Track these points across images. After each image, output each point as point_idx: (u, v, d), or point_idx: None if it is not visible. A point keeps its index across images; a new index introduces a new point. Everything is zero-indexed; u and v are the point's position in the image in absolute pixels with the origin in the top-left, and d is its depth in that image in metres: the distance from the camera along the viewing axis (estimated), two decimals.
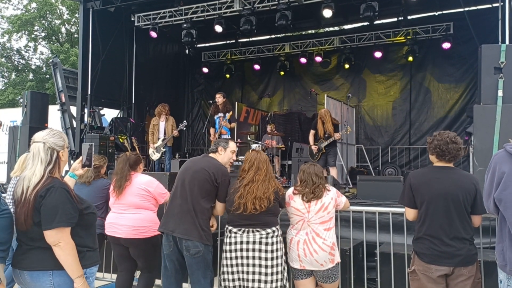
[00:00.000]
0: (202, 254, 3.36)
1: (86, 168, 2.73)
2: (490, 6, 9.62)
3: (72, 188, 2.47)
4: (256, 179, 3.40)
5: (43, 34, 27.98)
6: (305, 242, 3.44)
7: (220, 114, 7.89)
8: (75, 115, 10.22)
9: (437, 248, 2.85)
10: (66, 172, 3.46)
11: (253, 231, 3.34)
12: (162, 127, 8.58)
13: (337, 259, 3.51)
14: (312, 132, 7.70)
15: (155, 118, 8.73)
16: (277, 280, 3.32)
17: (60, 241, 2.21)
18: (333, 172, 7.32)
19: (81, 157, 2.70)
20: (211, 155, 3.69)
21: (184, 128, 8.55)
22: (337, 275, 3.53)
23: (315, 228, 3.46)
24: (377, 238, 4.19)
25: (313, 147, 7.52)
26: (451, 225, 2.85)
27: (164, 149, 8.45)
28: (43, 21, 27.08)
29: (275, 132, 9.47)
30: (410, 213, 3.10)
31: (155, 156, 8.56)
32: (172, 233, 3.39)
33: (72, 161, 8.48)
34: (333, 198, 3.55)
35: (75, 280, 2.25)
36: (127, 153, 4.46)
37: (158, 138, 8.58)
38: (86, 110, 9.96)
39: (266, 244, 3.32)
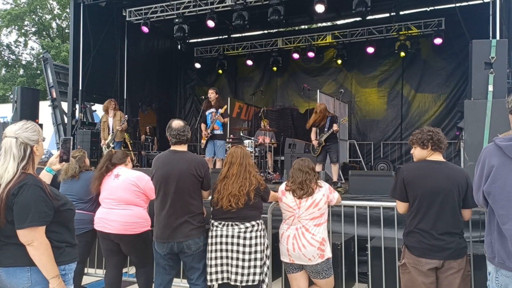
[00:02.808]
0: (202, 248, 3.44)
1: (63, 163, 2.65)
2: (481, 1, 9.70)
3: (48, 183, 2.38)
4: (230, 174, 3.42)
5: (33, 29, 27.71)
6: (295, 237, 3.46)
7: (212, 110, 7.81)
8: (66, 111, 10.14)
9: (427, 242, 2.87)
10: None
11: (232, 225, 3.38)
12: (110, 123, 8.44)
13: (328, 254, 3.50)
14: (313, 129, 7.62)
15: (104, 115, 8.58)
16: (254, 274, 3.34)
17: (34, 241, 2.12)
18: (335, 168, 7.32)
19: (58, 152, 2.64)
20: (181, 148, 3.53)
21: (125, 123, 8.38)
22: (328, 271, 3.52)
23: (305, 224, 3.48)
24: (368, 232, 4.22)
25: (314, 142, 7.48)
26: (442, 220, 2.87)
27: (113, 145, 8.38)
28: (34, 16, 26.81)
29: (268, 128, 9.46)
30: (401, 207, 3.11)
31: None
32: (173, 240, 3.37)
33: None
34: (325, 195, 3.55)
35: (50, 281, 2.15)
36: (112, 149, 4.45)
37: (109, 134, 8.44)
38: (77, 106, 9.86)
39: (244, 238, 3.35)
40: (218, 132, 7.80)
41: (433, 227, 2.87)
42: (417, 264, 2.88)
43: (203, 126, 7.98)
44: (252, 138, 9.08)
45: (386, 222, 4.15)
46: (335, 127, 7.21)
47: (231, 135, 9.70)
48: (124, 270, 4.23)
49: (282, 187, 3.66)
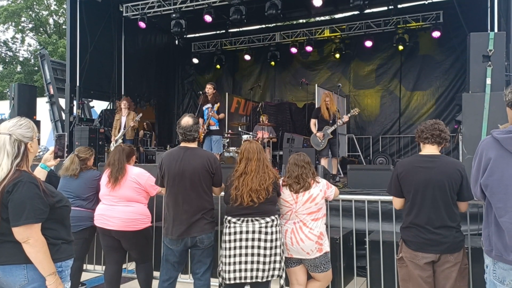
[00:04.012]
0: (212, 243, 3.49)
1: (58, 159, 2.64)
2: None
3: (43, 180, 2.37)
4: (248, 170, 3.38)
5: (30, 26, 27.57)
6: (293, 231, 3.46)
7: (209, 105, 7.80)
8: (64, 107, 10.11)
9: (423, 236, 2.88)
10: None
11: (252, 221, 3.33)
12: (123, 121, 8.68)
13: (326, 248, 3.51)
14: (313, 121, 7.43)
15: (118, 114, 8.87)
16: (274, 269, 3.32)
17: (29, 238, 2.11)
18: (335, 162, 7.25)
19: (52, 148, 2.63)
20: (192, 145, 3.56)
21: (139, 120, 8.67)
22: (326, 265, 3.52)
23: (302, 218, 3.47)
24: (367, 227, 4.22)
25: (318, 134, 7.24)
26: (437, 214, 2.87)
27: (122, 142, 8.48)
28: (30, 12, 26.66)
29: (267, 122, 9.44)
30: (397, 203, 3.12)
31: None
32: (188, 236, 3.37)
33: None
34: (322, 190, 3.54)
35: (47, 278, 2.15)
36: (121, 144, 4.42)
37: (119, 132, 8.68)
38: (75, 102, 9.84)
39: (266, 233, 3.31)
40: (214, 128, 7.82)
41: (428, 222, 2.87)
42: (413, 258, 2.89)
43: (200, 120, 7.97)
44: (251, 133, 9.07)
45: (384, 216, 4.16)
46: (345, 118, 7.02)
47: (230, 130, 9.69)
48: (123, 266, 4.24)
49: (279, 182, 3.65)
